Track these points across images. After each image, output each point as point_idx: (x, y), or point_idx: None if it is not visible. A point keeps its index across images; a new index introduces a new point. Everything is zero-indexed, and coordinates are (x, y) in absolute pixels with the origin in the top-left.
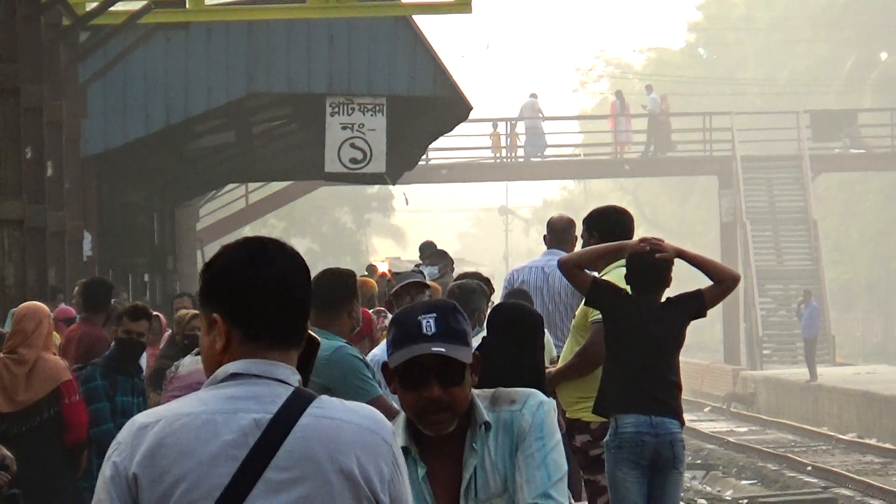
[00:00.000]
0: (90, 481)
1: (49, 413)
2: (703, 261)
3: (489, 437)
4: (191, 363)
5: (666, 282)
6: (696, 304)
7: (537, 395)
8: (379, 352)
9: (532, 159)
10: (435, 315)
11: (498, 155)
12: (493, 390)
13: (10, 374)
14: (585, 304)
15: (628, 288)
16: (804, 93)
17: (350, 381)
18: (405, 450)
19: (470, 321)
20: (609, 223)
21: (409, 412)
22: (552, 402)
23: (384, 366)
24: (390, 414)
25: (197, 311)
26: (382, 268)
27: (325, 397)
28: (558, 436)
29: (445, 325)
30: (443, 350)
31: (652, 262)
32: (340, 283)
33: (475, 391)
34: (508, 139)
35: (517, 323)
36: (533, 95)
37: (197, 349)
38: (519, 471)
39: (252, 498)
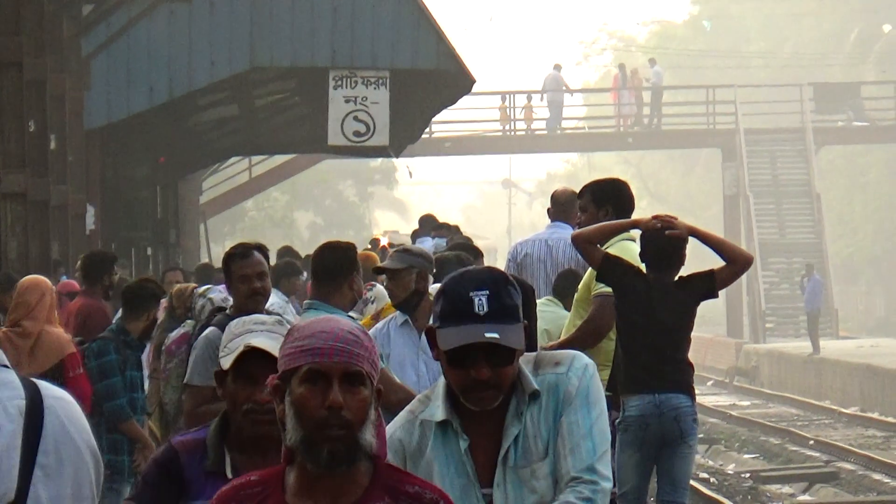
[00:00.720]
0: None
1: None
2: (717, 240)
3: (533, 402)
4: (175, 333)
5: (679, 260)
6: (707, 285)
7: (582, 357)
8: (375, 330)
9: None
10: (487, 292)
11: (508, 127)
12: (535, 354)
13: (14, 347)
14: (597, 279)
15: (641, 265)
16: (807, 65)
17: None
18: (446, 423)
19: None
20: (624, 197)
21: (455, 387)
22: (595, 366)
23: (429, 330)
24: (394, 389)
25: (195, 285)
26: (383, 241)
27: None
28: (603, 403)
29: (498, 303)
30: (496, 336)
31: (665, 241)
32: (341, 256)
33: None
34: (523, 111)
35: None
36: (557, 67)
37: (187, 320)
38: (562, 438)
39: (34, 485)
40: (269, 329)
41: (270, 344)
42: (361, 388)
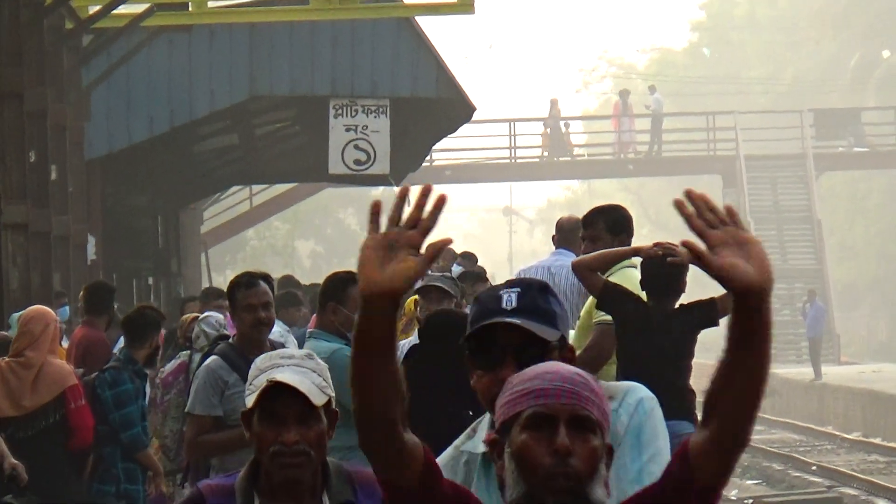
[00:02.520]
0: (116, 485)
1: (55, 417)
2: None
3: None
4: (171, 364)
5: (680, 288)
6: (708, 314)
7: (637, 391)
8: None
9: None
10: (518, 289)
11: (544, 154)
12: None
13: (17, 378)
14: (597, 307)
15: (642, 293)
16: (808, 91)
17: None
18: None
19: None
20: (629, 224)
21: (484, 399)
22: (655, 400)
23: (467, 356)
24: None
25: (197, 314)
26: None
27: None
28: (661, 441)
29: (529, 301)
30: (518, 321)
31: (666, 268)
32: (325, 283)
33: None
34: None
35: (449, 332)
36: (652, 88)
37: (184, 350)
38: (610, 483)
39: None
40: (297, 363)
41: (297, 379)
42: (591, 437)
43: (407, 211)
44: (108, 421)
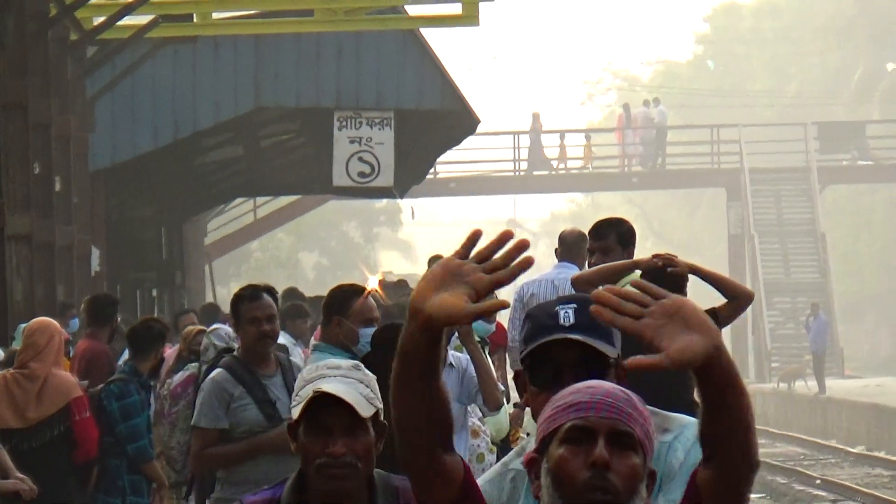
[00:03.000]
0: (121, 497)
1: (59, 429)
2: (717, 277)
3: None
4: (180, 375)
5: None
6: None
7: (694, 425)
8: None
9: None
10: (575, 306)
11: (588, 166)
12: (649, 409)
13: (22, 390)
14: None
15: None
16: (812, 105)
17: None
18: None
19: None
20: (636, 236)
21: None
22: None
23: (517, 375)
24: None
25: (203, 327)
26: (372, 283)
27: None
28: None
29: (587, 317)
30: (579, 337)
31: (666, 279)
32: (329, 296)
33: None
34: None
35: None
36: (646, 102)
37: (191, 363)
38: None
39: None
40: (344, 374)
41: (343, 389)
42: (631, 454)
43: (412, 222)
44: (114, 433)
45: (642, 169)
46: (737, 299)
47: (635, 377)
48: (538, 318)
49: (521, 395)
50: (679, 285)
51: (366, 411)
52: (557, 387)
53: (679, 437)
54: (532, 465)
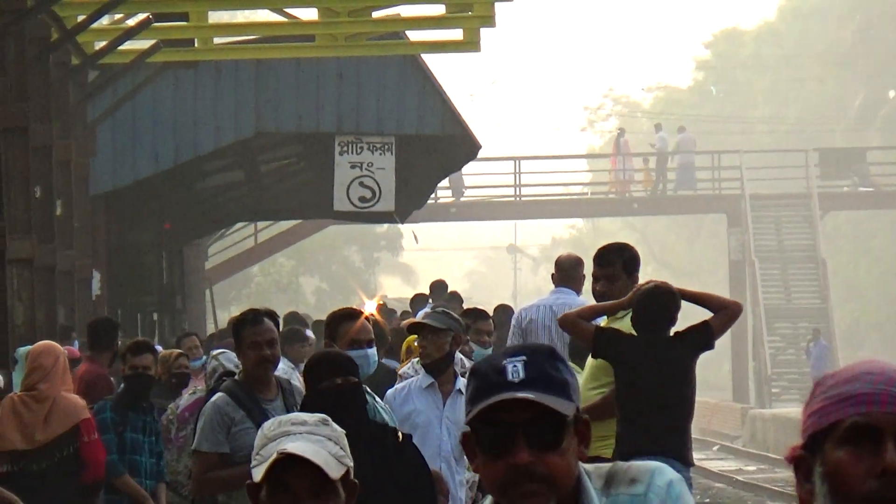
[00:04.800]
0: None
1: (67, 451)
2: (701, 295)
3: None
4: (186, 400)
5: (671, 318)
6: (703, 337)
7: (664, 472)
8: (394, 391)
9: (680, 192)
10: (524, 358)
11: (648, 189)
12: (609, 465)
13: (30, 411)
14: (592, 354)
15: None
16: (813, 131)
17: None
18: None
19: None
20: (639, 262)
21: (492, 487)
22: (683, 482)
23: (464, 438)
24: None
25: (181, 351)
26: (370, 308)
27: None
28: None
29: (539, 371)
30: (531, 395)
31: (655, 300)
32: (325, 323)
33: (586, 467)
34: (643, 174)
35: (327, 374)
36: (681, 129)
37: (193, 389)
38: None
39: None
40: (311, 430)
41: (311, 449)
42: None
43: (412, 244)
44: None
45: (643, 194)
46: (726, 308)
47: (632, 424)
48: (484, 373)
49: (470, 461)
50: (667, 304)
51: (335, 472)
52: (511, 453)
53: (651, 487)
54: (799, 464)
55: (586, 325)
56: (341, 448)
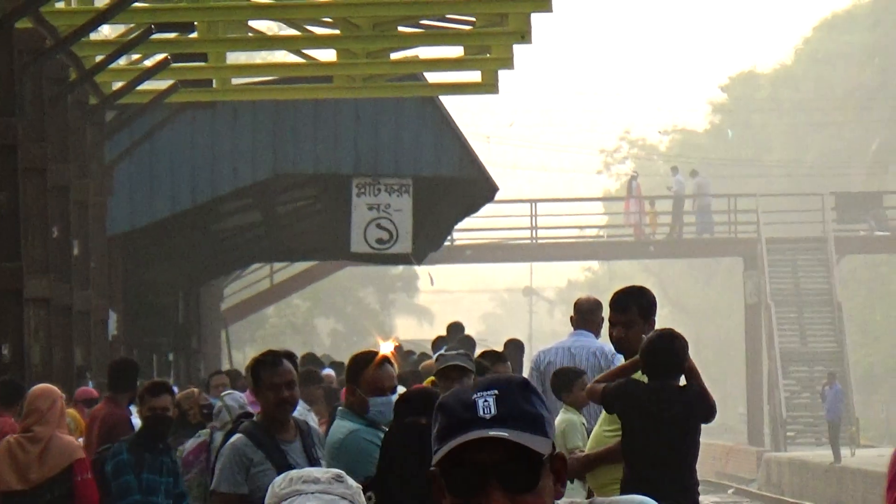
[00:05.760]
0: None
1: (60, 490)
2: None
3: None
4: (191, 443)
5: (680, 366)
6: (705, 410)
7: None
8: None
9: (703, 236)
10: (496, 392)
11: (657, 233)
12: (588, 501)
13: (24, 452)
14: (606, 411)
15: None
16: (829, 175)
17: (365, 466)
18: None
19: None
20: (656, 306)
21: None
22: None
23: (431, 478)
24: None
25: (196, 390)
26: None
27: None
28: None
29: (511, 406)
30: (504, 434)
31: (664, 346)
32: (346, 366)
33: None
34: (648, 217)
35: (414, 411)
36: (693, 173)
37: (202, 430)
38: None
39: None
40: (324, 489)
41: None
42: None
43: (427, 285)
44: (110, 492)
45: (660, 237)
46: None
47: (636, 468)
48: (452, 409)
49: (437, 500)
50: (680, 352)
51: None
52: (482, 496)
53: None
54: None
55: (596, 389)
56: None
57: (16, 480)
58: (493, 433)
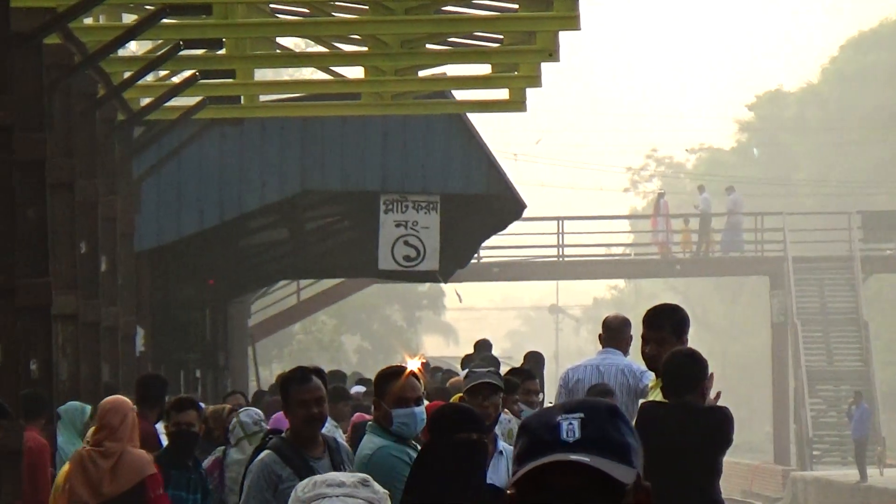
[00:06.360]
0: None
1: None
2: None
3: None
4: (207, 460)
5: (696, 381)
6: (723, 437)
7: None
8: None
9: (732, 254)
10: (581, 415)
11: (688, 251)
12: None
13: (96, 466)
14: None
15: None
16: (856, 194)
17: (392, 483)
18: None
19: None
20: (689, 324)
21: None
22: None
23: (509, 498)
24: None
25: (231, 406)
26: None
27: None
28: None
29: (597, 431)
30: (586, 459)
31: (683, 363)
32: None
33: None
34: (681, 234)
35: (463, 427)
36: (729, 189)
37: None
38: None
39: None
40: (348, 493)
41: None
42: None
43: (453, 303)
44: None
45: (686, 256)
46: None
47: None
48: (535, 430)
49: None
50: (698, 370)
51: None
52: None
53: None
54: None
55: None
56: None
57: (88, 495)
58: (574, 457)
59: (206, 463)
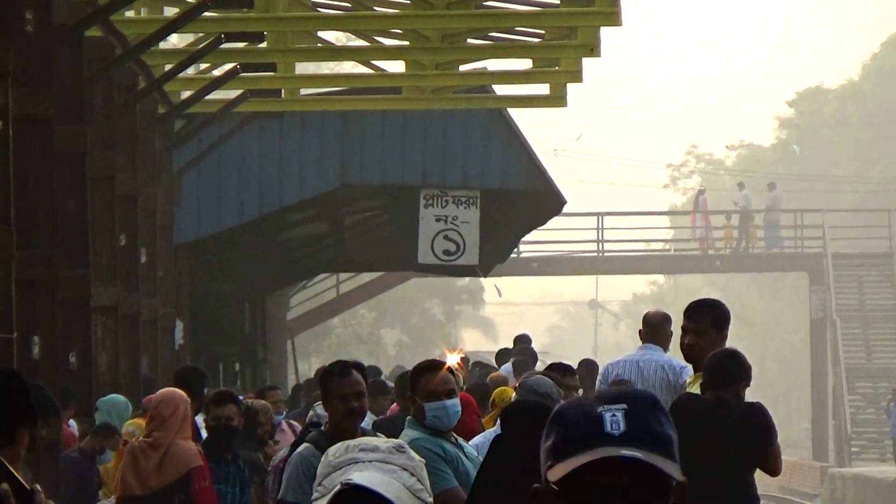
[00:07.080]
0: None
1: (180, 497)
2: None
3: None
4: (285, 451)
5: (736, 377)
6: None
7: None
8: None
9: (773, 250)
10: (625, 406)
11: (728, 247)
12: None
13: (146, 458)
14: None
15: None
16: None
17: None
18: None
19: None
20: (730, 320)
21: None
22: None
23: (535, 492)
24: None
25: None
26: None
27: None
28: None
29: (642, 423)
30: (639, 455)
31: (725, 360)
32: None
33: None
34: (723, 231)
35: (535, 420)
36: (771, 185)
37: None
38: None
39: None
40: (382, 458)
41: (382, 479)
42: None
43: (493, 297)
44: None
45: (725, 252)
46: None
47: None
48: (573, 421)
49: None
50: (737, 365)
51: None
52: None
53: None
54: None
55: None
56: (419, 480)
57: (137, 486)
58: (626, 453)
59: (283, 455)
